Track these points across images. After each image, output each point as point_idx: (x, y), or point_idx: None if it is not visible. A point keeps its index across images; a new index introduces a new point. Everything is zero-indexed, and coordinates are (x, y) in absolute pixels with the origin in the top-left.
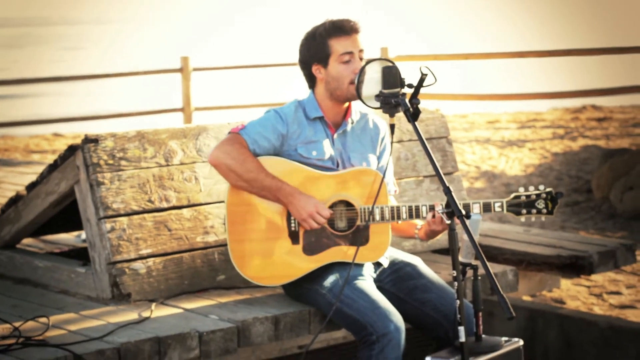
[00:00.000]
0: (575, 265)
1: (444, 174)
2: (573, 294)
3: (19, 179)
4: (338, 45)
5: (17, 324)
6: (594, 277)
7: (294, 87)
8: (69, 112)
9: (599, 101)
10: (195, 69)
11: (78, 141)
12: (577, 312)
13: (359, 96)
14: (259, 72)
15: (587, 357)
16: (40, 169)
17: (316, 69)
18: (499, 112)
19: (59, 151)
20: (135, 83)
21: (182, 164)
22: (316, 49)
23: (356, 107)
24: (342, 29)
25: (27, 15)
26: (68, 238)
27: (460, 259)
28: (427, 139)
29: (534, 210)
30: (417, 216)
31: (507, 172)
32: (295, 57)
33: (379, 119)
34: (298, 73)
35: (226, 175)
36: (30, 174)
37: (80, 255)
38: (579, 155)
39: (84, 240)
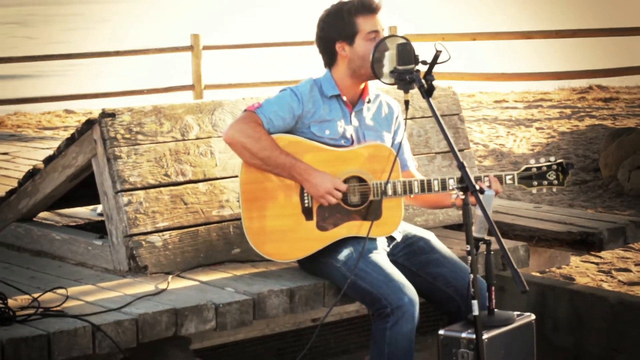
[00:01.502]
0: (585, 242)
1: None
2: (582, 271)
3: (33, 154)
4: (365, 24)
5: (35, 295)
6: (603, 254)
7: (303, 65)
8: (80, 89)
9: (605, 81)
10: (205, 47)
11: (89, 118)
12: (587, 287)
13: (373, 72)
14: (269, 51)
15: (597, 332)
16: (53, 144)
17: (340, 47)
18: (505, 91)
19: (71, 127)
20: (146, 61)
21: (197, 138)
22: (343, 26)
23: (371, 87)
24: (370, 7)
25: None
26: (83, 212)
27: (474, 233)
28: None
29: (545, 182)
30: (430, 190)
31: (515, 151)
32: (305, 36)
33: (391, 99)
34: (307, 52)
35: (241, 153)
36: (44, 149)
37: (96, 228)
38: (585, 134)
39: (100, 214)
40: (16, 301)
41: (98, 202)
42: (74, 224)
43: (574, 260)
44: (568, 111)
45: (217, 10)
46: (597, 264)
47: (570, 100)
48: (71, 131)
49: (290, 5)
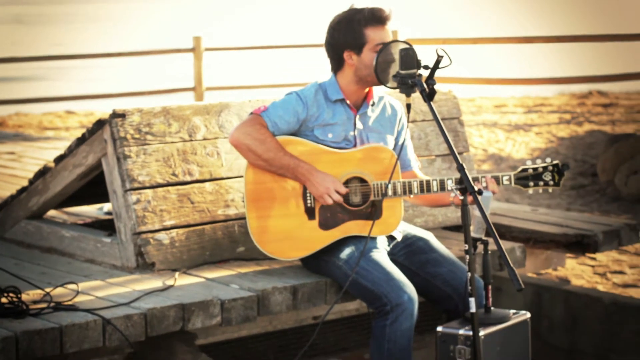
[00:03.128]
0: (580, 244)
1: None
2: (578, 273)
3: (38, 154)
4: (374, 35)
5: (47, 290)
6: (598, 256)
7: (305, 68)
8: (81, 90)
9: (605, 87)
10: (207, 49)
11: (90, 119)
12: (582, 288)
13: (377, 77)
14: (270, 53)
15: (592, 332)
16: (58, 144)
17: (348, 55)
18: (505, 96)
19: (72, 128)
20: (146, 62)
21: (204, 139)
22: (352, 35)
23: (376, 90)
24: (380, 19)
25: None
26: (90, 210)
27: (472, 234)
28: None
29: (541, 182)
30: (428, 190)
31: (514, 156)
32: (307, 39)
33: (395, 100)
34: (309, 55)
35: (246, 155)
36: (49, 149)
37: (103, 226)
38: (584, 139)
39: (107, 213)
40: (28, 295)
41: (105, 201)
42: (81, 222)
43: (570, 262)
44: (567, 116)
45: (218, 9)
46: (592, 266)
47: (569, 105)
48: (72, 132)
49: (292, 7)
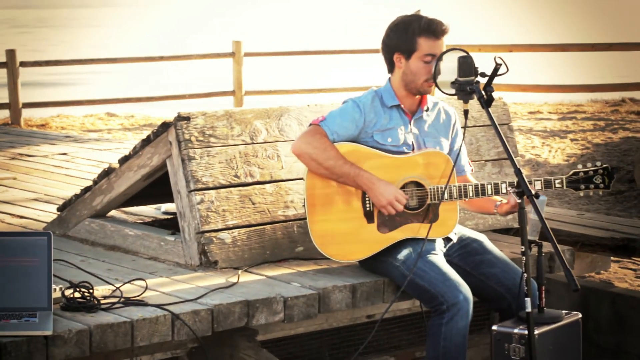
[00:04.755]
0: (627, 247)
1: (505, 159)
2: (620, 277)
3: (90, 154)
4: (425, 45)
5: (117, 285)
6: (639, 261)
7: (342, 74)
8: (121, 94)
9: (638, 95)
10: (247, 54)
11: (131, 121)
12: (628, 290)
13: (435, 83)
14: (308, 58)
15: (637, 333)
16: (109, 145)
17: (397, 58)
18: (539, 102)
19: (114, 130)
20: (186, 66)
21: (265, 142)
22: (405, 40)
23: (430, 96)
24: (435, 32)
25: None
26: (148, 210)
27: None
28: (489, 125)
29: (592, 185)
30: (483, 194)
31: (551, 161)
32: (343, 45)
33: (449, 107)
34: (347, 60)
35: (308, 164)
36: (100, 150)
37: (162, 226)
38: (619, 146)
39: (165, 213)
40: (98, 291)
41: (163, 201)
42: (140, 221)
43: (612, 266)
44: (602, 123)
45: (257, 16)
46: (634, 270)
47: (603, 112)
48: (115, 133)
49: (331, 13)
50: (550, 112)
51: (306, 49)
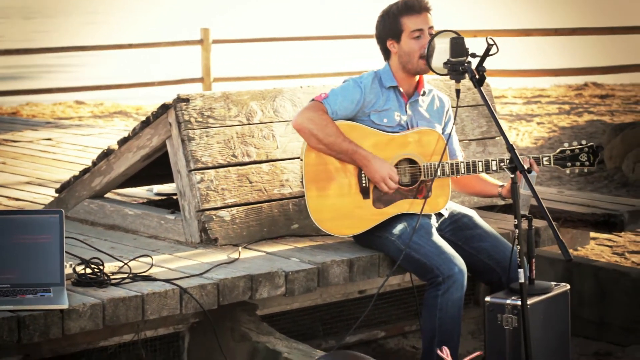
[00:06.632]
0: (607, 223)
1: (489, 138)
2: (597, 253)
3: (74, 139)
4: (409, 23)
5: (125, 261)
6: (615, 237)
7: (312, 60)
8: (88, 82)
9: (600, 79)
10: (215, 41)
11: (101, 109)
12: (610, 264)
13: (428, 64)
14: (278, 45)
15: (619, 305)
16: (92, 131)
17: (390, 44)
18: (503, 87)
19: (85, 117)
20: (154, 54)
21: (261, 122)
22: (390, 25)
23: (426, 81)
24: (413, 7)
25: None
26: (140, 192)
27: None
28: (474, 106)
29: (578, 163)
30: (474, 171)
31: (519, 144)
32: (312, 31)
33: (442, 94)
34: (319, 47)
35: (308, 139)
36: (83, 135)
37: (157, 206)
38: (586, 129)
39: (157, 194)
40: (106, 267)
41: (159, 182)
42: (135, 202)
43: (590, 243)
44: (567, 107)
45: (221, 2)
46: (610, 246)
47: (567, 96)
48: (86, 120)
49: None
50: (514, 97)
51: (274, 36)
